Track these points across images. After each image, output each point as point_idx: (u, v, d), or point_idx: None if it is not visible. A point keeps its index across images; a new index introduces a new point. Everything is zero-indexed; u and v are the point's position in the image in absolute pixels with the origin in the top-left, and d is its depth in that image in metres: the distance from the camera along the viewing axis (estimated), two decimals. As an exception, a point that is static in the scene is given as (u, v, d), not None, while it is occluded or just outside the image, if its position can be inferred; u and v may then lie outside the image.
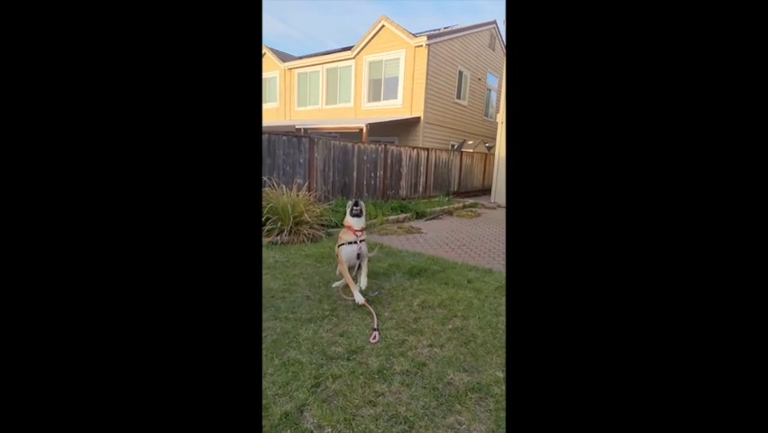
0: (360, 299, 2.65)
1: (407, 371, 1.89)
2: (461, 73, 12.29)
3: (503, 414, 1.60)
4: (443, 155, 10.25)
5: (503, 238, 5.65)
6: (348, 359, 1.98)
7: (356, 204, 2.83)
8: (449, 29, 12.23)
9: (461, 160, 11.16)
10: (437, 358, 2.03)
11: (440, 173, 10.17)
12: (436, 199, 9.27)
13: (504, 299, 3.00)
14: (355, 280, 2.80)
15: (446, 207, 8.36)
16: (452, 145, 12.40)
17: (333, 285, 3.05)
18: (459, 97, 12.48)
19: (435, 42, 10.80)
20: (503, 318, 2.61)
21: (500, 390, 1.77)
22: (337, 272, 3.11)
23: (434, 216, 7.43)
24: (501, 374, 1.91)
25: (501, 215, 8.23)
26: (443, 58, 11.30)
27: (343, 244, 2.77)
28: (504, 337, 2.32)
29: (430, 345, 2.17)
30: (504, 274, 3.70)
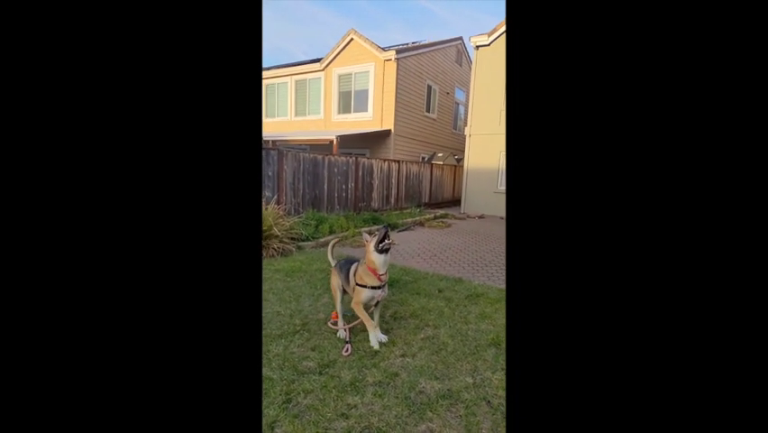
0: (380, 338, 2.30)
1: (380, 382, 1.91)
2: (429, 87, 12.67)
3: (473, 419, 1.64)
4: (414, 167, 10.45)
5: (473, 248, 5.81)
6: (320, 373, 1.97)
7: (386, 236, 2.19)
8: (417, 44, 12.63)
9: (431, 172, 11.41)
10: (409, 368, 2.05)
11: (411, 185, 10.35)
12: (408, 211, 9.40)
13: (473, 307, 3.09)
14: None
15: (418, 218, 8.50)
16: (423, 158, 12.68)
17: (332, 324, 2.57)
18: (428, 111, 12.82)
19: (404, 57, 11.10)
20: (473, 326, 2.68)
21: (470, 395, 1.82)
22: (336, 315, 2.59)
23: (406, 228, 7.52)
24: (471, 380, 1.96)
25: (471, 225, 8.46)
26: (412, 72, 11.61)
27: (365, 286, 2.29)
28: (474, 344, 2.38)
29: (402, 355, 2.20)
30: (473, 283, 3.81)
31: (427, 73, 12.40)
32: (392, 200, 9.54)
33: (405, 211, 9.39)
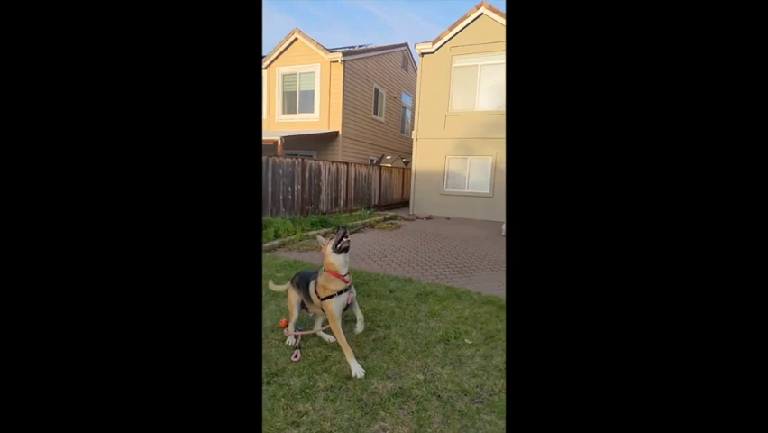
0: (358, 370, 2.01)
1: (331, 386, 1.87)
2: (377, 91, 12.80)
3: (424, 414, 1.68)
4: (363, 169, 10.47)
5: (422, 248, 5.96)
6: (267, 383, 1.88)
7: (344, 235, 2.11)
8: (363, 47, 12.70)
9: (380, 174, 11.52)
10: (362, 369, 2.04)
11: (360, 187, 10.35)
12: (358, 213, 9.39)
13: (423, 305, 3.16)
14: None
15: (368, 220, 8.52)
16: (372, 160, 12.76)
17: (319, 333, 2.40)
18: (376, 114, 12.95)
19: (351, 59, 11.10)
20: (422, 324, 2.74)
21: (421, 391, 1.86)
22: (285, 323, 2.46)
23: (356, 230, 7.51)
24: (422, 376, 2.00)
25: (420, 226, 8.68)
26: (359, 75, 11.65)
27: (332, 296, 2.09)
28: (424, 342, 2.44)
29: (355, 358, 2.18)
30: (423, 282, 3.91)
31: (374, 77, 12.52)
32: (341, 202, 9.47)
33: (354, 213, 9.37)
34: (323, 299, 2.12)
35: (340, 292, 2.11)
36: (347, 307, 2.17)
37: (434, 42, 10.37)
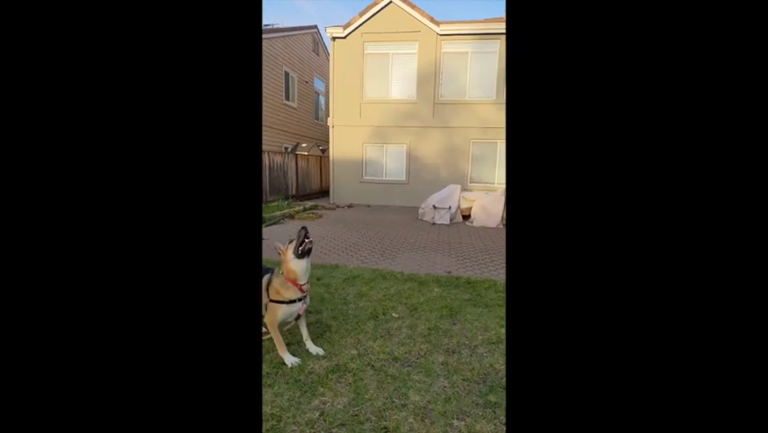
0: (292, 360, 1.98)
1: (267, 373, 1.89)
2: (287, 74, 12.28)
3: (360, 383, 1.82)
4: (278, 158, 10.07)
5: (345, 235, 6.07)
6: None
7: (306, 236, 1.92)
8: (269, 26, 12.02)
9: (296, 163, 11.20)
10: (297, 354, 2.09)
11: (276, 177, 9.96)
12: (275, 204, 9.05)
13: (351, 288, 3.29)
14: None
15: (287, 210, 8.28)
16: (286, 148, 12.31)
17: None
18: (288, 99, 12.45)
19: (258, 41, 10.44)
20: (352, 305, 2.87)
21: (356, 364, 1.99)
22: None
23: (275, 221, 7.26)
24: (355, 351, 2.14)
25: (341, 214, 8.75)
26: (268, 56, 11.03)
27: (281, 302, 1.95)
28: (355, 321, 2.57)
29: (288, 344, 2.21)
30: (349, 267, 4.03)
31: (284, 59, 11.98)
32: (257, 193, 9.01)
33: (271, 204, 9.01)
34: (271, 300, 1.98)
35: (292, 301, 1.97)
36: (297, 317, 2.06)
37: (345, 27, 10.31)
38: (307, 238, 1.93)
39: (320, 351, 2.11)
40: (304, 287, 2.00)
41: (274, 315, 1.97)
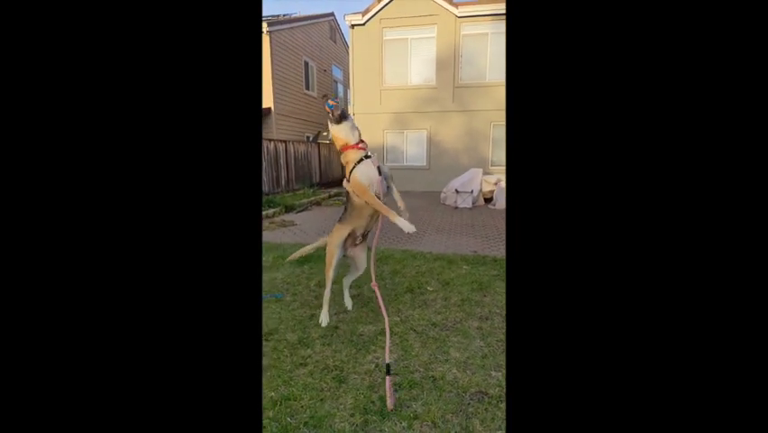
0: (325, 320, 2.27)
1: (323, 335, 2.16)
2: (306, 64, 12.44)
3: (406, 343, 2.06)
4: (302, 147, 10.35)
5: (370, 218, 6.30)
6: (266, 339, 2.11)
7: (334, 98, 2.00)
8: (288, 16, 12.15)
9: (319, 151, 11.46)
10: (345, 321, 2.36)
11: (301, 165, 10.26)
12: (301, 192, 9.38)
13: (385, 266, 3.53)
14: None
15: (313, 198, 8.59)
16: (308, 137, 12.57)
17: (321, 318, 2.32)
18: (308, 88, 12.64)
19: (277, 30, 10.61)
20: (388, 281, 3.12)
21: (400, 329, 2.23)
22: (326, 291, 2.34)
23: (304, 208, 7.58)
24: (398, 318, 2.38)
25: (363, 199, 8.97)
26: (288, 47, 11.21)
27: (356, 166, 2.07)
28: (393, 293, 2.81)
29: (336, 313, 2.47)
30: (380, 248, 4.27)
31: (303, 49, 12.13)
32: (283, 182, 9.35)
33: (298, 192, 9.34)
34: (350, 171, 2.14)
35: (361, 160, 2.10)
36: (383, 177, 2.14)
37: (363, 14, 10.35)
38: (336, 100, 2.14)
39: (411, 228, 2.04)
40: (360, 145, 2.16)
41: (360, 182, 2.08)
